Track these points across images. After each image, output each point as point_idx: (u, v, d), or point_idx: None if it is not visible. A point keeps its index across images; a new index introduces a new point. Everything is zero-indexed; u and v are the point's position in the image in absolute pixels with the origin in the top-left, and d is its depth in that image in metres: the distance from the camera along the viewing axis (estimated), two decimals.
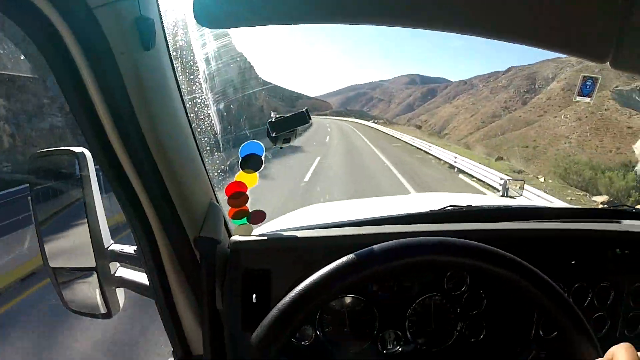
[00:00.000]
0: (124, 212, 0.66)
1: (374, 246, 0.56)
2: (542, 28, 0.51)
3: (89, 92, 0.54)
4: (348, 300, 0.75)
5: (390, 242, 0.56)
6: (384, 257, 0.55)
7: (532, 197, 7.36)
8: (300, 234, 0.78)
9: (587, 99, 1.28)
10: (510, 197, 1.94)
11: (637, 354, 0.45)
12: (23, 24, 0.50)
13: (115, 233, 0.88)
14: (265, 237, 0.76)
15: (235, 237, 0.76)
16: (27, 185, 0.93)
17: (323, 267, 0.55)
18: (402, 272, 0.66)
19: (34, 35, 0.51)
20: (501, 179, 8.82)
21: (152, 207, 0.65)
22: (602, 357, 0.46)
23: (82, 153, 0.81)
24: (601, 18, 0.50)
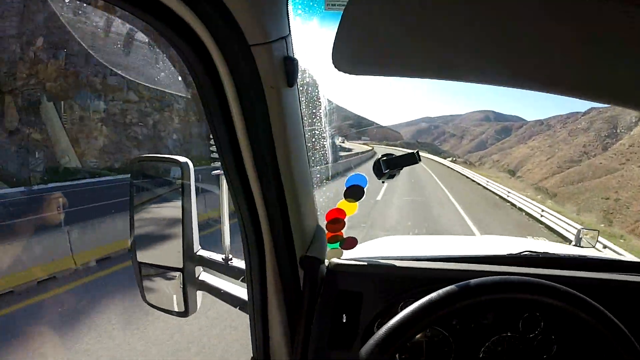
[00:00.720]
0: (241, 225, 0.72)
1: (484, 278, 0.58)
2: (599, 82, 0.52)
3: (232, 116, 0.60)
4: (429, 331, 0.77)
5: (497, 277, 0.59)
6: (493, 289, 0.57)
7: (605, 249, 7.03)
8: (391, 263, 0.81)
9: None
10: (582, 247, 1.86)
11: None
12: (182, 52, 0.55)
13: None
14: (360, 263, 0.80)
15: (334, 260, 0.80)
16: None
17: (413, 296, 0.57)
18: (500, 305, 0.71)
19: (189, 59, 0.56)
20: (575, 228, 8.43)
21: (268, 223, 0.70)
22: None
23: (187, 163, 0.87)
24: None
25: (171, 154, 0.88)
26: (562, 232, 9.84)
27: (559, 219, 10.82)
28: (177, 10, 0.50)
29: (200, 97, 0.61)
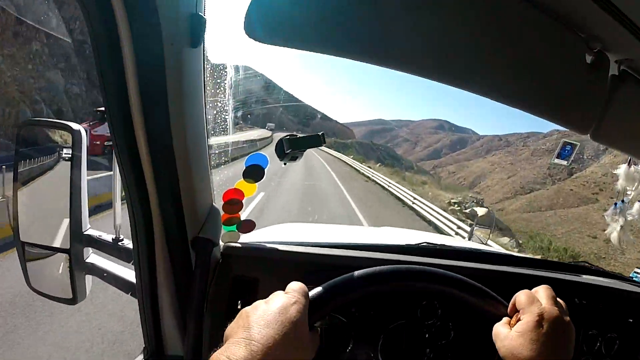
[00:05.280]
0: (128, 203, 0.67)
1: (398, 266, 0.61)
2: (536, 96, 0.58)
3: (125, 73, 0.55)
4: (327, 317, 0.77)
5: (417, 267, 0.62)
6: (402, 277, 0.60)
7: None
8: (288, 248, 0.80)
9: (564, 162, 1.38)
10: (475, 242, 2.04)
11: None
12: None
13: None
14: (256, 247, 0.79)
15: (229, 243, 0.78)
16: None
17: (311, 282, 0.57)
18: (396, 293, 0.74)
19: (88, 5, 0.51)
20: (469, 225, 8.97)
21: (158, 201, 0.66)
22: (507, 304, 0.57)
23: (79, 131, 0.80)
24: (588, 95, 0.59)
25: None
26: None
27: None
28: None
29: (92, 47, 0.55)
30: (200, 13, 0.57)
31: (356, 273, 0.57)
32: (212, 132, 0.75)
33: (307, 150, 0.68)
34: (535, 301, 0.54)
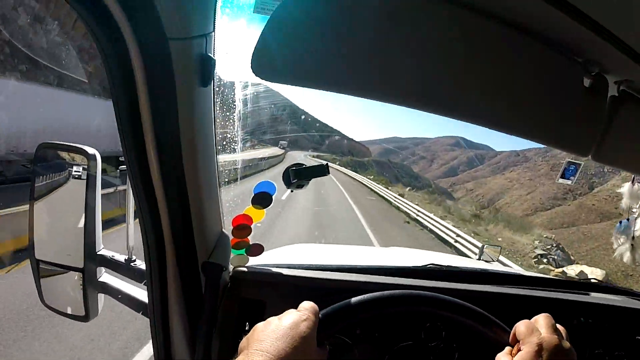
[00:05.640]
0: (142, 226, 0.70)
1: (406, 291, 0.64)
2: (534, 123, 0.59)
3: (140, 110, 0.58)
4: (332, 339, 0.78)
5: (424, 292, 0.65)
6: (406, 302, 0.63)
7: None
8: (294, 272, 0.82)
9: (569, 182, 1.37)
10: (486, 261, 2.02)
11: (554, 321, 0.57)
12: (97, 36, 0.53)
13: None
14: (264, 271, 0.81)
15: (238, 267, 0.81)
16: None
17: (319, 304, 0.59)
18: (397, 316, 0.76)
19: (103, 44, 0.54)
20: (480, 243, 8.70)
21: (170, 225, 0.69)
22: (510, 330, 0.59)
23: (94, 155, 0.83)
24: (588, 118, 0.60)
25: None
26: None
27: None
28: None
29: (110, 87, 0.59)
30: (209, 54, 0.60)
31: (366, 296, 0.60)
32: (224, 150, 0.78)
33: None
34: (535, 331, 0.55)
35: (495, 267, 1.88)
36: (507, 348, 0.58)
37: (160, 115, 0.59)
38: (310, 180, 0.70)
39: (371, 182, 29.88)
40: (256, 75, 0.48)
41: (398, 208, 17.07)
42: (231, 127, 0.82)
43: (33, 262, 0.93)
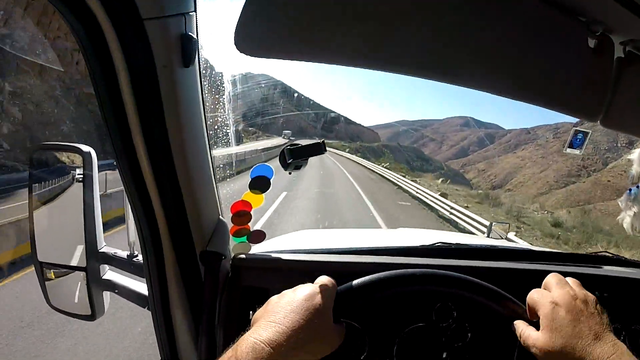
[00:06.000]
0: (136, 220, 0.69)
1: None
2: (540, 87, 0.58)
3: (123, 97, 0.58)
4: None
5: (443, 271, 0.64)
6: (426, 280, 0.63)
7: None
8: (298, 257, 0.81)
9: (577, 152, 1.33)
10: (495, 239, 2.00)
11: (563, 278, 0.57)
12: (70, 19, 0.52)
13: None
14: (265, 257, 0.80)
15: (239, 255, 0.80)
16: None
17: None
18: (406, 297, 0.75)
19: (78, 32, 0.54)
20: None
21: (164, 217, 0.68)
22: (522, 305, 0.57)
23: (89, 153, 0.83)
24: (594, 81, 0.58)
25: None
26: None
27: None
28: None
29: (90, 76, 0.58)
30: (190, 33, 0.59)
31: (385, 273, 0.60)
32: (223, 143, 0.77)
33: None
34: (545, 294, 0.54)
35: (502, 243, 1.87)
36: (524, 322, 0.57)
37: (143, 99, 0.58)
38: (307, 159, 0.69)
39: (390, 172, 24.23)
40: (240, 51, 0.47)
41: (457, 225, 10.92)
42: (222, 111, 0.81)
43: (36, 265, 0.93)
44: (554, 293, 0.53)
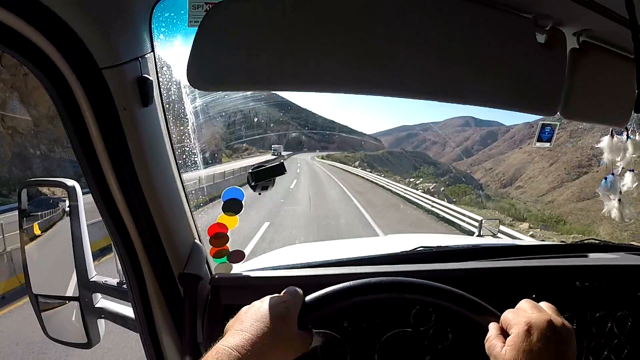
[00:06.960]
0: (115, 249, 0.73)
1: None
2: (494, 90, 0.59)
3: (92, 138, 0.62)
4: (321, 337, 0.79)
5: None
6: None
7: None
8: (274, 273, 0.84)
9: (547, 144, 1.34)
10: (485, 236, 2.01)
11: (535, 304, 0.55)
12: (38, 74, 0.57)
13: None
14: (243, 276, 0.82)
15: (219, 274, 0.82)
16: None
17: None
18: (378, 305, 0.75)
19: (44, 82, 0.58)
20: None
21: (142, 245, 0.71)
22: (499, 315, 0.55)
23: (73, 186, 0.87)
24: (549, 74, 0.60)
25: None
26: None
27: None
28: (30, 37, 0.52)
29: (61, 120, 0.62)
30: (145, 75, 0.63)
31: (350, 283, 0.61)
32: (185, 173, 0.80)
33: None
34: (522, 313, 0.53)
35: (490, 241, 1.87)
36: (497, 330, 0.55)
37: (109, 139, 0.62)
38: (272, 180, 0.72)
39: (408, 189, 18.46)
40: (193, 86, 0.51)
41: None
42: (187, 140, 0.85)
43: (32, 297, 0.96)
44: (531, 315, 0.52)
